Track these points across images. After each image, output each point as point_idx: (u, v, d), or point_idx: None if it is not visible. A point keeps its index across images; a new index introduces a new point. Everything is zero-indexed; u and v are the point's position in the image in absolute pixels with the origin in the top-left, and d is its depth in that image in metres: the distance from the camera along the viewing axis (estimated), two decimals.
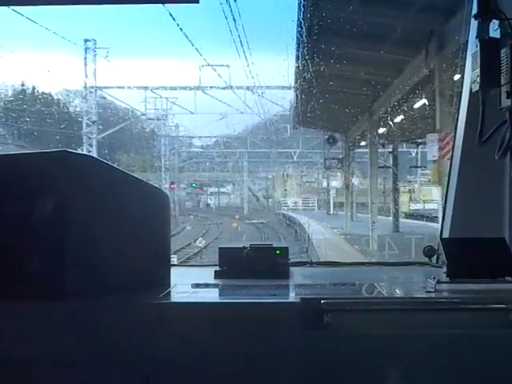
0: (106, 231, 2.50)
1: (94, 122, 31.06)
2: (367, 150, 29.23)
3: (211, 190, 43.69)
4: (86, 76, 30.63)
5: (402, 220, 29.63)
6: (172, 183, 35.99)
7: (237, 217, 37.75)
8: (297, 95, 25.93)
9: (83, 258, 2.42)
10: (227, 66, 31.78)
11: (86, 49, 29.61)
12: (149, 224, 2.67)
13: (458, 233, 3.39)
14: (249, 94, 32.88)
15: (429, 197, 34.18)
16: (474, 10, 3.10)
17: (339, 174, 35.22)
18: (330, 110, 26.56)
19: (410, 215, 34.52)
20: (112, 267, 2.48)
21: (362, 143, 30.82)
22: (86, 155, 2.57)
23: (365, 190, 35.05)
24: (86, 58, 29.95)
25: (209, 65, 31.36)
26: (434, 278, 2.66)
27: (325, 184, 40.18)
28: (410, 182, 37.16)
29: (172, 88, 34.22)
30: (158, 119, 36.57)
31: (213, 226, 35.64)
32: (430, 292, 2.61)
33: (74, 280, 2.40)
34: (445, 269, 2.72)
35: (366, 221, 28.37)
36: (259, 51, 27.87)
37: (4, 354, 2.33)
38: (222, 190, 44.04)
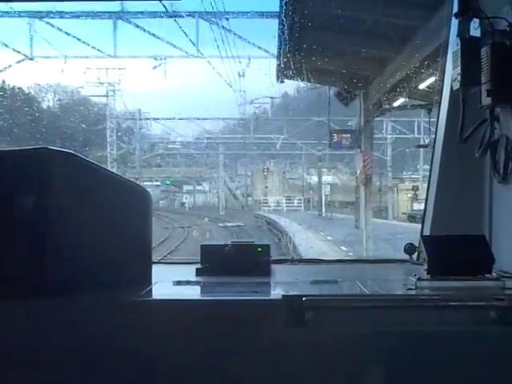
0: (86, 228, 2.48)
1: None
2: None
3: (188, 187, 37.83)
4: None
5: (403, 224, 21.47)
6: (135, 180, 30.82)
7: (205, 219, 30.52)
8: (285, 25, 14.52)
9: (64, 256, 2.40)
10: None
11: None
12: (130, 221, 2.66)
13: (439, 230, 3.41)
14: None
15: None
16: (455, 9, 3.12)
17: (325, 170, 31.08)
18: (341, 47, 15.80)
19: (413, 217, 24.89)
20: (93, 264, 2.47)
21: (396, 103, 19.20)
22: (67, 152, 2.55)
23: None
24: None
25: None
26: (415, 275, 2.67)
27: (314, 179, 33.22)
28: (403, 178, 31.59)
29: (74, 15, 19.14)
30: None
31: (177, 230, 28.24)
32: (410, 289, 2.62)
33: (54, 277, 2.38)
34: (426, 266, 2.73)
35: (378, 230, 20.15)
36: None
37: None
38: (199, 187, 38.11)
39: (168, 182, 36.02)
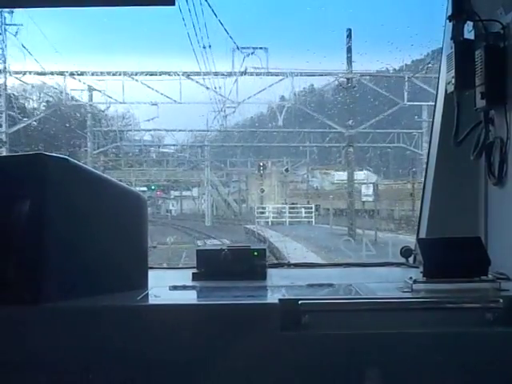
0: (82, 234, 2.48)
1: None
2: None
3: (176, 193, 30.74)
4: None
5: None
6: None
7: (170, 239, 20.70)
8: None
9: (59, 262, 2.40)
10: None
11: None
12: (126, 227, 2.66)
13: (435, 233, 3.41)
14: None
15: None
16: (449, 12, 3.12)
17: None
18: None
19: None
20: (89, 270, 2.47)
21: None
22: (63, 158, 2.55)
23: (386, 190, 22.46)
24: None
25: None
26: (411, 278, 2.67)
27: (336, 177, 23.94)
28: None
29: None
30: None
31: None
32: (406, 292, 2.62)
33: (49, 284, 2.38)
34: (421, 269, 2.73)
35: None
36: None
37: None
38: (187, 193, 30.89)
39: (153, 187, 29.63)
